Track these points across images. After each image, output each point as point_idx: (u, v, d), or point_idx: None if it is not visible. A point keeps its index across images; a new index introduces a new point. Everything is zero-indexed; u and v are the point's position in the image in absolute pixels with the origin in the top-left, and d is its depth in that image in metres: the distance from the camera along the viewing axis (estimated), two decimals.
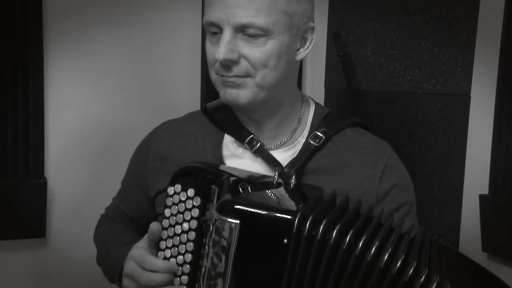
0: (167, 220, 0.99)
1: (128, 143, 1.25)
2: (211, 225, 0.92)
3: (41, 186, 1.77)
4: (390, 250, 0.83)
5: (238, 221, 0.88)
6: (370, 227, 0.90)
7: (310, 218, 0.87)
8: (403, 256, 0.84)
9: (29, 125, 1.72)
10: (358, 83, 1.86)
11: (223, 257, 0.89)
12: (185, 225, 0.98)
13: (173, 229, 0.99)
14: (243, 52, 0.99)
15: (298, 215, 0.87)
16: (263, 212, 0.89)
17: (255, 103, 1.04)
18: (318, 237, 0.86)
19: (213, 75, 1.04)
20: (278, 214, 0.88)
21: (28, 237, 1.79)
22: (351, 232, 0.86)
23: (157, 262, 0.98)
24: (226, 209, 0.90)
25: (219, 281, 0.90)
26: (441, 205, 1.80)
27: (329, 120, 1.14)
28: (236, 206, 0.90)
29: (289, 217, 0.87)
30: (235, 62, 1.00)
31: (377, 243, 0.84)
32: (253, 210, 0.90)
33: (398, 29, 1.82)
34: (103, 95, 1.83)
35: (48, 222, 1.81)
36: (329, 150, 1.10)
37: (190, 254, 0.98)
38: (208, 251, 0.92)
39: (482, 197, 1.72)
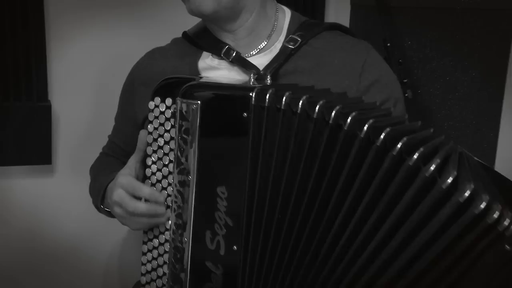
0: (151, 135, 1.10)
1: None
2: (177, 112, 1.02)
3: (45, 110, 1.85)
4: (371, 121, 0.85)
5: (198, 102, 0.99)
6: (348, 102, 0.96)
7: (271, 90, 0.93)
8: (388, 129, 0.83)
9: (30, 44, 1.79)
10: None
11: (188, 140, 1.00)
12: (167, 135, 1.07)
13: (156, 142, 1.09)
14: None
15: (257, 89, 0.95)
16: (223, 92, 1.00)
17: (221, 10, 1.15)
18: (283, 107, 0.92)
19: None
20: (237, 90, 0.99)
21: (34, 164, 1.89)
22: (321, 102, 0.89)
23: (144, 189, 1.09)
24: (188, 92, 1.01)
25: (187, 165, 1.01)
26: (475, 132, 1.84)
27: (306, 25, 1.24)
28: (197, 87, 1.02)
29: (248, 91, 0.96)
30: None
31: (354, 114, 0.86)
32: (213, 90, 1.01)
33: None
34: (106, 16, 1.90)
35: (53, 148, 1.90)
36: (306, 52, 1.20)
37: (173, 164, 1.07)
38: (176, 138, 1.02)
39: None
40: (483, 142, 1.85)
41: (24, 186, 1.93)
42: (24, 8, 1.77)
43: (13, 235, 1.94)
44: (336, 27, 1.27)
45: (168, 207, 1.08)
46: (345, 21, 2.02)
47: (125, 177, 1.12)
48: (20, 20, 1.77)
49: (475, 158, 0.97)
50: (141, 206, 1.08)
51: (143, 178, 1.13)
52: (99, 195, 1.25)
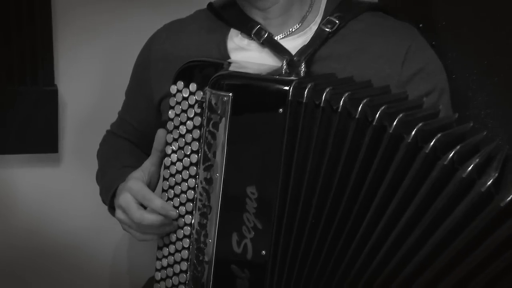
0: (172, 122, 1.07)
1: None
2: (205, 103, 0.99)
3: (52, 94, 1.81)
4: (420, 125, 0.82)
5: (230, 94, 0.95)
6: (392, 100, 0.92)
7: (310, 85, 0.89)
8: (439, 135, 0.81)
9: (36, 25, 1.76)
10: None
11: (217, 135, 0.97)
12: (189, 123, 1.05)
13: (177, 130, 1.06)
14: None
15: (295, 83, 0.91)
16: (258, 83, 0.97)
17: None
18: (322, 104, 0.88)
19: None
20: (273, 83, 0.95)
21: (39, 152, 1.87)
22: (364, 100, 0.86)
23: (156, 201, 1.05)
24: (219, 83, 0.97)
25: (215, 161, 0.98)
26: None
27: (346, 5, 1.19)
28: (228, 78, 0.98)
29: (284, 85, 0.93)
30: None
31: (401, 115, 0.83)
32: (246, 81, 0.97)
33: None
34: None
35: (60, 135, 1.87)
36: (344, 35, 1.16)
37: (195, 155, 1.04)
38: (203, 132, 0.99)
39: None
40: None
41: (28, 176, 1.90)
42: None
43: (15, 230, 1.91)
44: (378, 7, 1.24)
45: (180, 216, 1.07)
46: None
47: (136, 182, 1.09)
48: (27, 4, 1.73)
49: None
50: (149, 217, 1.05)
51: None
52: (108, 195, 1.22)
